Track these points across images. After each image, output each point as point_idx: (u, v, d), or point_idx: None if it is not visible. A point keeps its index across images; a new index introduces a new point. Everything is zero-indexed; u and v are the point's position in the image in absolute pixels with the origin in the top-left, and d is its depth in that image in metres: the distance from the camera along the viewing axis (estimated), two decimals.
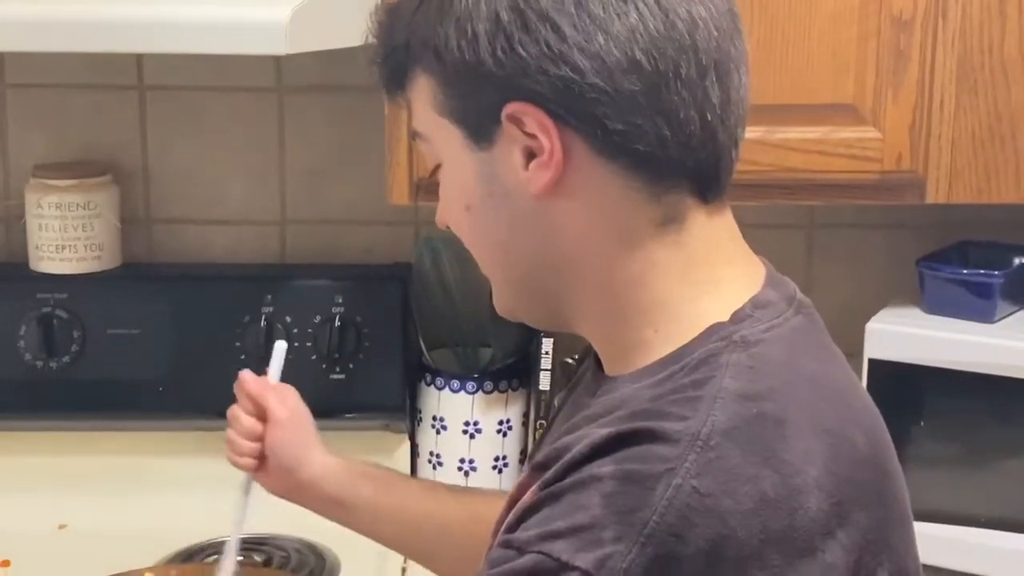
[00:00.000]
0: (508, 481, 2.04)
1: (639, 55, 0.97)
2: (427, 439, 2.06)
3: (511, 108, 0.99)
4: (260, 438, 1.44)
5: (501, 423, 2.05)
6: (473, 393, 2.03)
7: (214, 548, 1.84)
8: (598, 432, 0.95)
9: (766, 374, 0.97)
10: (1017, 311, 1.88)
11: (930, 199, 1.75)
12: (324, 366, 2.01)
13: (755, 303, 1.02)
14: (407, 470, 2.04)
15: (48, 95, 2.10)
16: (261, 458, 1.44)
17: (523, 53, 0.97)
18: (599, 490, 0.92)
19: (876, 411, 1.08)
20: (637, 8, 0.97)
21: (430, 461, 2.06)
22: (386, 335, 2.03)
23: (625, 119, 0.97)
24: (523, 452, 2.06)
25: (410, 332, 2.05)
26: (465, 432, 2.04)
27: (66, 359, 2.01)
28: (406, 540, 1.47)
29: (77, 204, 2.02)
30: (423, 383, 2.06)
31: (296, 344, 1.99)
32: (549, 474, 0.96)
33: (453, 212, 1.08)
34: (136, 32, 1.64)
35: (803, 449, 0.95)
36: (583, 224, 1.01)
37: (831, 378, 1.04)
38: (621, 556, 0.90)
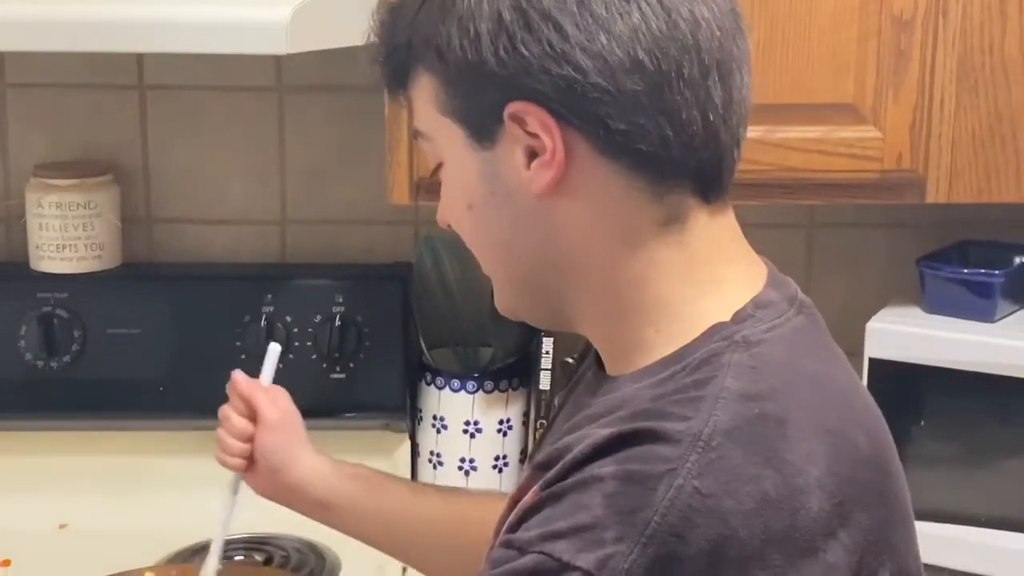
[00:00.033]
0: (508, 481, 2.04)
1: (642, 55, 0.97)
2: (427, 439, 2.06)
3: (513, 107, 0.99)
4: (250, 439, 1.44)
5: (501, 423, 2.04)
6: (473, 393, 2.03)
7: None
8: (599, 432, 0.95)
9: (768, 374, 0.97)
10: (1017, 310, 1.88)
11: (930, 199, 1.75)
12: (324, 366, 2.01)
13: (757, 303, 1.02)
14: (407, 470, 2.04)
15: (48, 95, 2.10)
16: (250, 459, 1.44)
17: (525, 52, 0.97)
18: (601, 490, 0.92)
19: (878, 411, 1.08)
20: (640, 8, 0.97)
21: (430, 461, 2.06)
22: (386, 335, 2.02)
23: (627, 119, 0.97)
24: (523, 452, 2.06)
25: (410, 332, 2.05)
26: (465, 432, 2.04)
27: (66, 359, 2.01)
28: (394, 542, 1.46)
29: (77, 204, 2.01)
30: (423, 382, 2.06)
31: (296, 344, 2.00)
32: (550, 474, 0.96)
33: (455, 211, 1.07)
34: (136, 32, 1.63)
35: (805, 449, 0.95)
36: (585, 224, 1.01)
37: (833, 378, 1.04)
38: (623, 556, 0.90)
